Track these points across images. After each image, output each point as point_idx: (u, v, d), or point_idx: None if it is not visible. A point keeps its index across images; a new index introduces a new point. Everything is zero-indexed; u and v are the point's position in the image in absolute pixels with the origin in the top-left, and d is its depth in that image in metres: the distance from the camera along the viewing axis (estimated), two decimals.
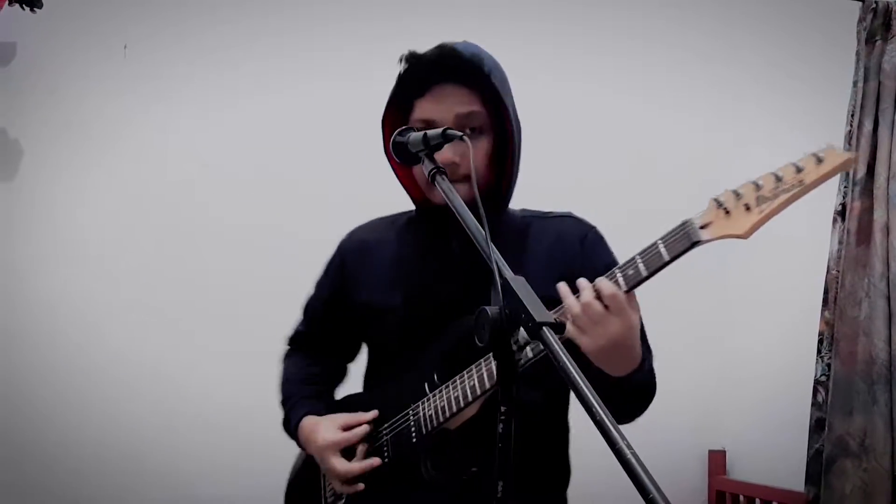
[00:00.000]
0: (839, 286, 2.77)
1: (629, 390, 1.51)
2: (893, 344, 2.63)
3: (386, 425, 1.71)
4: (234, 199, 3.08)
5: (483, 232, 1.22)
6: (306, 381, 1.92)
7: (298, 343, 2.03)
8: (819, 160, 1.33)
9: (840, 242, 2.80)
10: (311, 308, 2.00)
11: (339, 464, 1.68)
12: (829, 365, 2.76)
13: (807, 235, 2.95)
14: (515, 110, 1.71)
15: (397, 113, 1.71)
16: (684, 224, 1.42)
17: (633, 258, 1.46)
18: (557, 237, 1.71)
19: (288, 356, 2.04)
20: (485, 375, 1.55)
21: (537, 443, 1.67)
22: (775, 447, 3.18)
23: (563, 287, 1.44)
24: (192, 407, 2.98)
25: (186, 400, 2.99)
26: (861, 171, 2.78)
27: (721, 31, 3.51)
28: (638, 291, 1.45)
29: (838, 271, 2.79)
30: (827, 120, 3.10)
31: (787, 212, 1.36)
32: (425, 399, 1.65)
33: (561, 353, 1.02)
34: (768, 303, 3.32)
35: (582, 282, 1.45)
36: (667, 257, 1.41)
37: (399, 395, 1.71)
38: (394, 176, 1.76)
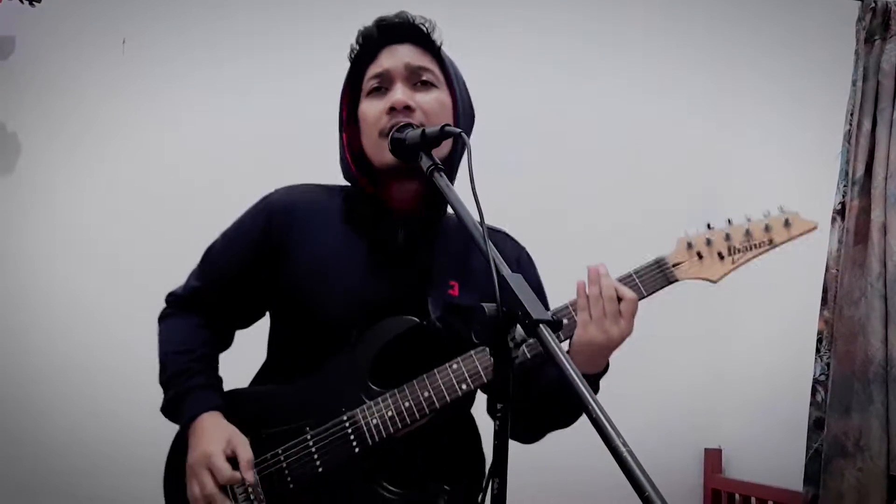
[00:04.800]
0: (838, 285, 2.77)
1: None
2: (890, 344, 2.63)
3: (311, 432, 1.59)
4: (234, 193, 3.04)
5: (480, 229, 1.20)
6: (202, 358, 1.69)
7: (191, 302, 1.76)
8: (787, 224, 1.65)
9: (839, 241, 2.80)
10: (217, 263, 1.77)
11: (208, 482, 1.53)
12: (828, 364, 2.76)
13: (807, 234, 2.94)
14: (459, 77, 1.69)
15: (354, 85, 1.68)
16: (660, 263, 1.61)
17: (629, 274, 1.60)
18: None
19: (173, 316, 1.78)
20: (442, 387, 1.53)
21: (453, 439, 1.68)
22: (771, 446, 3.18)
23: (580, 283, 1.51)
24: None
25: None
26: (860, 171, 2.77)
27: (720, 30, 3.50)
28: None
29: (837, 270, 2.78)
30: (826, 118, 3.09)
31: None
32: (365, 407, 1.57)
33: (558, 350, 1.02)
34: (766, 300, 3.31)
35: (601, 268, 1.52)
36: (644, 293, 1.58)
37: (324, 397, 1.60)
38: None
